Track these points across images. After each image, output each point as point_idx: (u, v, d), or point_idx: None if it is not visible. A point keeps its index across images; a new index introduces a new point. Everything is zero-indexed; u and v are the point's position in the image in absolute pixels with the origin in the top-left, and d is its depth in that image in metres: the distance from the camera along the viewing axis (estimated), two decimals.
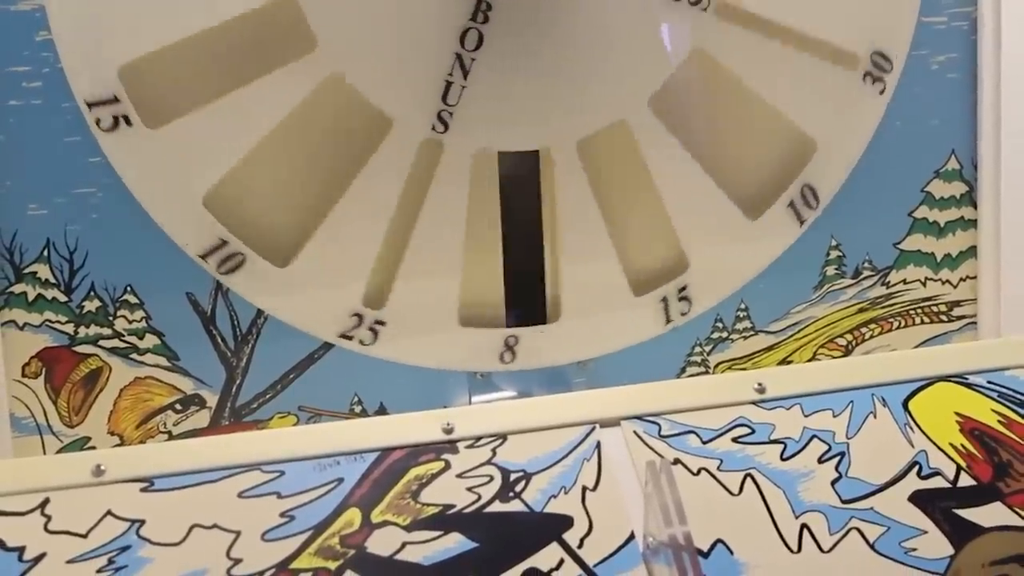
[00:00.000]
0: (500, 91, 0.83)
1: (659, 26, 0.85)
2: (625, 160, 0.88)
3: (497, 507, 0.70)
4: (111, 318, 0.88)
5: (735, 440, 0.75)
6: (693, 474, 0.73)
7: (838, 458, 0.74)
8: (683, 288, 0.92)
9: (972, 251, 1.02)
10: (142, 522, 0.68)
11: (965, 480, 0.73)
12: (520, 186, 0.87)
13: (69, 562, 0.66)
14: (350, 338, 0.87)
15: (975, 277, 1.02)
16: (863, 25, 0.91)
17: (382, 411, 0.94)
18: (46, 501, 0.69)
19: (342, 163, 0.84)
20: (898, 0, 0.93)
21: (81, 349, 0.89)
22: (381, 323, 0.87)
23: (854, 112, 0.93)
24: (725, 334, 0.99)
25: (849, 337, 1.02)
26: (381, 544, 0.67)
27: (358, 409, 0.94)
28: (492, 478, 0.72)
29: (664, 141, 0.88)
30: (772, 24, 0.88)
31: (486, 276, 0.88)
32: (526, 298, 0.90)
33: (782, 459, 0.74)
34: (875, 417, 0.77)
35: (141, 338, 0.89)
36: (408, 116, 0.82)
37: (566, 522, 0.69)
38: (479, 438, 0.75)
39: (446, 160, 0.84)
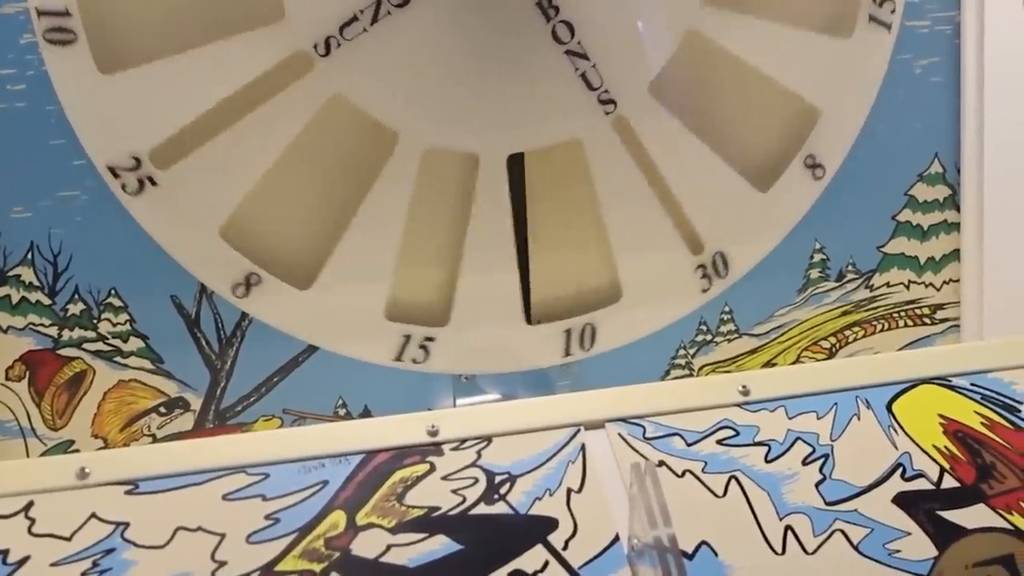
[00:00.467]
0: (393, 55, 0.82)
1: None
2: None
3: (482, 509, 0.70)
4: (95, 321, 0.88)
5: (720, 442, 0.75)
6: (678, 476, 0.73)
7: (822, 460, 0.74)
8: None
9: (955, 254, 1.02)
10: (127, 525, 0.68)
11: (949, 482, 0.73)
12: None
13: (53, 565, 0.65)
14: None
15: (958, 280, 1.02)
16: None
17: (367, 414, 0.94)
18: (30, 504, 0.69)
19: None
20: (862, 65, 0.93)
21: (65, 352, 0.88)
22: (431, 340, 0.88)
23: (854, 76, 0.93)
24: (709, 337, 0.99)
25: (833, 340, 1.02)
26: (366, 546, 0.67)
27: (343, 412, 0.94)
28: (477, 480, 0.72)
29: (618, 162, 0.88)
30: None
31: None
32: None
33: (766, 461, 0.74)
34: (859, 419, 0.77)
35: (125, 341, 0.89)
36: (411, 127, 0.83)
37: (551, 524, 0.69)
38: (464, 440, 0.75)
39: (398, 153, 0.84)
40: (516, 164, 0.85)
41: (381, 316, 0.87)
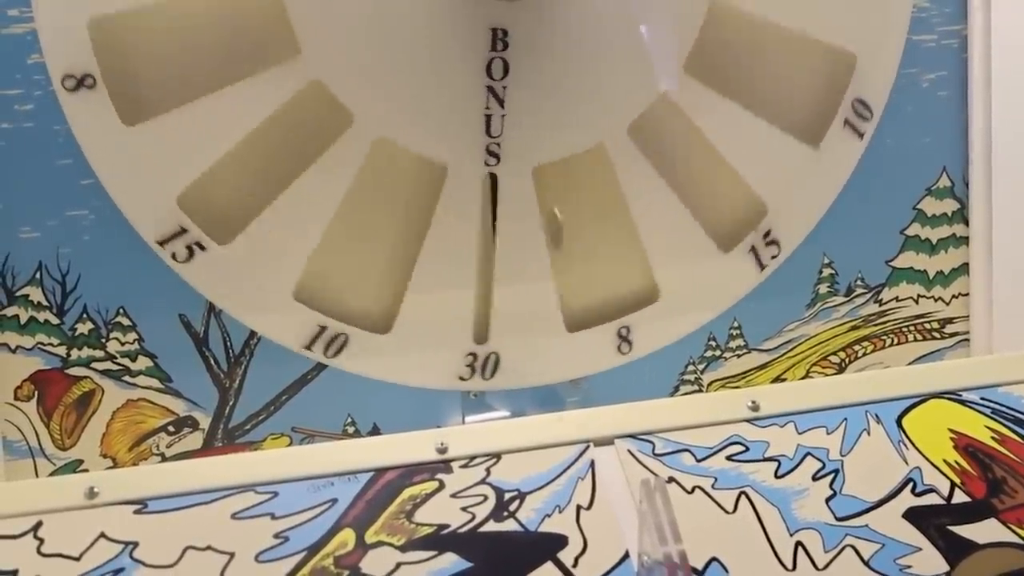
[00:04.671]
0: (535, 107, 0.83)
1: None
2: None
3: (491, 526, 0.70)
4: (104, 340, 0.88)
5: (729, 458, 0.75)
6: (687, 492, 0.73)
7: (832, 475, 0.74)
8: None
9: (964, 268, 1.02)
10: (135, 544, 0.68)
11: (959, 497, 0.73)
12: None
13: None
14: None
15: (967, 294, 1.02)
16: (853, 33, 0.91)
17: (375, 432, 0.94)
18: (39, 524, 0.69)
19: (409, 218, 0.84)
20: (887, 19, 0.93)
21: (73, 372, 0.88)
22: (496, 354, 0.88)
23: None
24: (718, 352, 0.99)
25: (842, 355, 1.02)
26: (375, 565, 0.67)
27: (351, 430, 0.94)
28: (486, 497, 0.72)
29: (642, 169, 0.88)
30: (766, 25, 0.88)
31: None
32: None
33: (776, 477, 0.74)
34: (869, 434, 0.77)
35: (134, 360, 0.89)
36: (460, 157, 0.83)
37: (561, 541, 0.69)
38: (473, 457, 0.75)
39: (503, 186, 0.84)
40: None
41: (470, 339, 0.87)
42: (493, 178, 0.84)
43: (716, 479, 0.74)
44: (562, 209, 0.86)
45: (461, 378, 0.87)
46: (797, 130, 0.90)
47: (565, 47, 0.82)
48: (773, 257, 0.91)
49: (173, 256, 0.80)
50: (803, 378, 1.01)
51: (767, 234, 0.90)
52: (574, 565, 0.67)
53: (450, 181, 0.83)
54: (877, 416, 0.79)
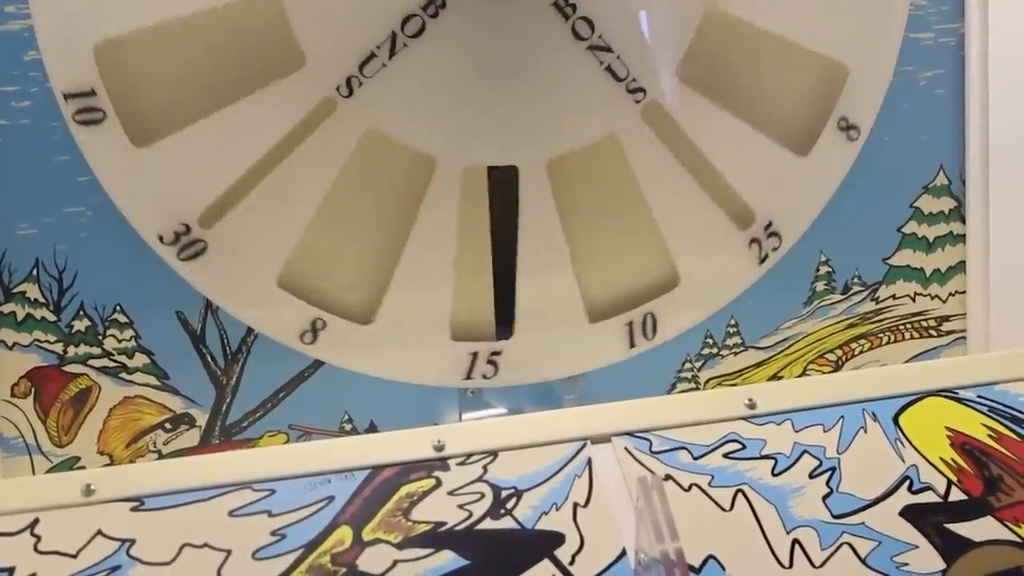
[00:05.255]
0: (414, 84, 0.82)
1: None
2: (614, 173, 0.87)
3: (488, 524, 0.70)
4: (100, 337, 0.88)
5: (726, 456, 0.75)
6: (684, 490, 0.73)
7: (829, 473, 0.74)
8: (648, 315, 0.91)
9: (961, 266, 1.02)
10: (132, 541, 0.68)
11: (956, 495, 0.73)
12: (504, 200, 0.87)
13: None
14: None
15: (964, 292, 1.02)
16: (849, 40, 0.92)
17: (372, 429, 0.94)
18: (36, 521, 0.69)
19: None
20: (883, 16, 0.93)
21: (70, 368, 0.88)
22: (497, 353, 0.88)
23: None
24: (715, 350, 0.99)
25: (839, 352, 1.02)
26: (373, 562, 0.67)
27: (348, 427, 0.94)
28: (483, 495, 0.72)
29: (655, 152, 0.87)
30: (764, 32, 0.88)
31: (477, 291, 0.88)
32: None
33: (773, 474, 0.74)
34: (866, 432, 0.77)
35: (131, 357, 0.89)
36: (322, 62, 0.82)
37: (558, 539, 0.69)
38: (470, 455, 0.75)
39: (438, 176, 0.84)
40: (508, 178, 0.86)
41: (447, 336, 0.87)
42: (514, 170, 0.85)
43: (713, 477, 0.74)
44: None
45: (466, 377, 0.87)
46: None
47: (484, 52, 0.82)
48: (774, 249, 0.92)
49: (159, 239, 0.80)
50: (800, 376, 1.01)
51: (768, 226, 0.91)
52: (571, 563, 0.67)
53: (439, 174, 0.83)
54: (874, 414, 0.79)
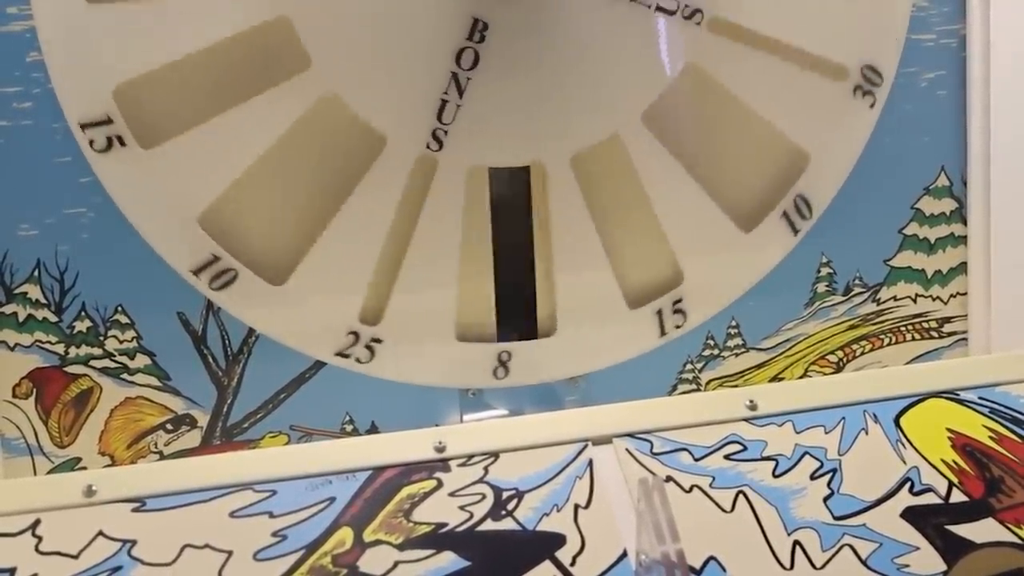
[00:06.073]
0: (495, 108, 0.83)
1: (653, 41, 0.86)
2: (618, 174, 0.87)
3: (489, 525, 0.70)
4: (102, 338, 0.88)
5: (727, 457, 0.75)
6: (685, 491, 0.73)
7: (830, 475, 0.74)
8: (678, 301, 0.91)
9: (962, 267, 1.02)
10: (134, 542, 0.68)
11: (957, 496, 0.73)
12: (512, 202, 0.87)
13: None
14: (347, 356, 0.86)
15: (965, 293, 1.02)
16: (853, 40, 0.91)
17: (373, 430, 0.94)
18: (37, 522, 0.69)
19: (337, 180, 0.84)
20: (886, 17, 0.93)
21: (72, 369, 0.88)
22: (378, 340, 0.87)
23: (846, 123, 0.93)
24: (716, 351, 0.99)
25: (840, 354, 1.02)
26: (373, 563, 0.67)
27: (349, 428, 0.94)
28: (484, 496, 0.72)
29: (658, 154, 0.87)
30: (763, 37, 0.88)
31: (481, 292, 0.88)
32: (517, 313, 0.89)
33: (774, 476, 0.74)
34: (867, 433, 0.77)
35: (132, 358, 0.89)
36: (402, 134, 0.82)
37: (559, 540, 0.69)
38: (471, 456, 0.75)
39: (440, 177, 0.84)
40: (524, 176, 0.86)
41: (356, 320, 0.87)
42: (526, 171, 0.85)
43: (714, 478, 0.74)
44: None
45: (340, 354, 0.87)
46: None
47: (540, 55, 0.82)
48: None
49: (91, 144, 0.80)
50: (801, 377, 1.01)
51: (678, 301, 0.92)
52: (572, 564, 0.67)
53: (386, 153, 0.83)
54: (875, 415, 0.79)
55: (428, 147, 0.82)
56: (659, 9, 0.84)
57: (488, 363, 0.88)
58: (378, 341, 0.86)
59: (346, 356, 0.86)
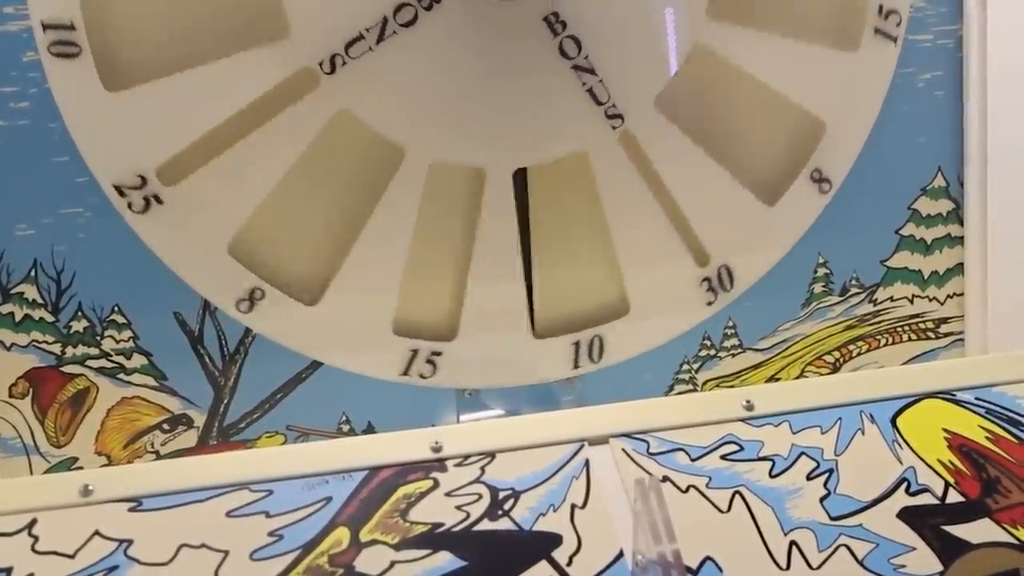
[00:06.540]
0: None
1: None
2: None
3: (486, 525, 0.70)
4: (98, 338, 0.88)
5: (724, 457, 0.75)
6: (682, 491, 0.73)
7: (826, 475, 0.74)
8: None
9: (959, 268, 1.02)
10: (130, 542, 0.68)
11: (953, 496, 0.73)
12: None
13: None
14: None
15: (962, 294, 1.02)
16: None
17: (370, 430, 0.94)
18: (33, 522, 0.69)
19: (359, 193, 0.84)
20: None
21: (68, 369, 0.88)
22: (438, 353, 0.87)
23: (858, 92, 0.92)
24: (713, 352, 0.99)
25: (837, 354, 1.02)
26: (370, 563, 0.67)
27: (346, 428, 0.94)
28: (481, 496, 0.72)
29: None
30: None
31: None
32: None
33: (771, 476, 0.74)
34: (863, 434, 0.77)
35: (128, 358, 0.89)
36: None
37: (555, 540, 0.69)
38: (467, 456, 0.75)
39: (489, 184, 0.84)
40: (520, 178, 0.85)
41: (388, 331, 0.86)
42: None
43: (710, 478, 0.74)
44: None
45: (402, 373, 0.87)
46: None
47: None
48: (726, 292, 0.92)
49: (130, 206, 0.79)
50: (798, 378, 1.02)
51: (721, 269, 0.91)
52: (568, 564, 0.67)
53: (405, 165, 0.83)
54: (871, 416, 0.79)
55: (320, 65, 0.80)
56: None
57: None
58: (438, 355, 0.86)
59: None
